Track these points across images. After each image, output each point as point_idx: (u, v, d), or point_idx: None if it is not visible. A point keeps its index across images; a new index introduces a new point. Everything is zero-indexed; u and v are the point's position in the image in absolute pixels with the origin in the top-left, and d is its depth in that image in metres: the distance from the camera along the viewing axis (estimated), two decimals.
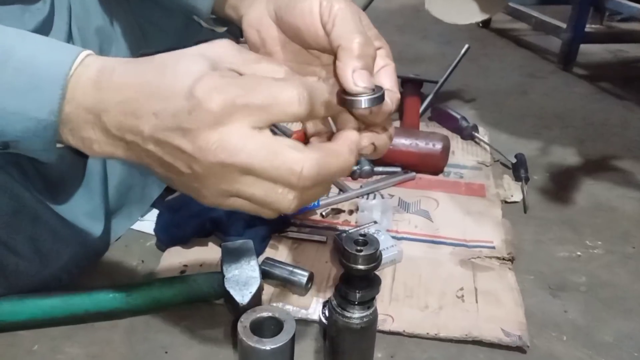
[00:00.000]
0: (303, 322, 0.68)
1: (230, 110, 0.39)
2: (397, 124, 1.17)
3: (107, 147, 0.43)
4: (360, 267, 0.52)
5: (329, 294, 0.70)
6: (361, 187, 0.96)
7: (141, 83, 0.41)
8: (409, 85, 1.25)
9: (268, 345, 0.50)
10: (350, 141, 0.44)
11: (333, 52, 0.46)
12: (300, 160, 0.40)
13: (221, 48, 0.43)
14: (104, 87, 0.42)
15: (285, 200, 0.41)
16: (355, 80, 0.43)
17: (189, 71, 0.40)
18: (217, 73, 0.40)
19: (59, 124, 0.43)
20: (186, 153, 0.40)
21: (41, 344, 0.64)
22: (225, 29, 0.64)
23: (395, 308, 0.70)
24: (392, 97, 0.47)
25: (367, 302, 0.55)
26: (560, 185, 1.03)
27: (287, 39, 0.52)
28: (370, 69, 0.45)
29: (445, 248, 0.83)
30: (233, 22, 0.59)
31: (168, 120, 0.40)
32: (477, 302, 0.72)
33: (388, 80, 0.49)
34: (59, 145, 0.46)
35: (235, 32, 0.75)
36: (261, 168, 0.40)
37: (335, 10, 0.46)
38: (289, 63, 0.53)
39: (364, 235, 0.54)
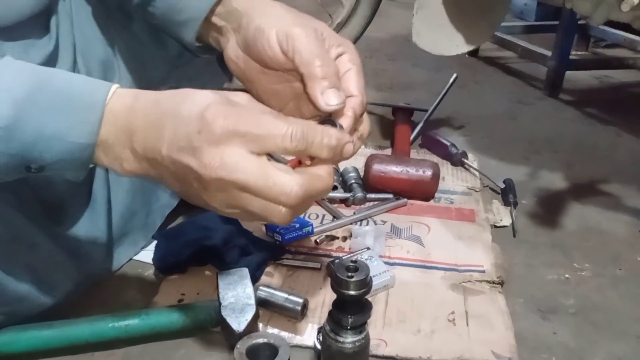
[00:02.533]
0: (298, 348, 0.69)
1: (231, 135, 0.45)
2: (388, 151, 1.19)
3: (135, 164, 0.49)
4: (352, 292, 0.54)
5: (323, 320, 0.72)
6: (354, 213, 0.98)
7: (163, 110, 0.48)
8: (400, 114, 1.28)
9: None
10: (329, 167, 0.50)
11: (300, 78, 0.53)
12: (289, 182, 0.46)
13: (238, 95, 0.49)
14: (134, 112, 0.48)
15: (279, 214, 0.47)
16: (326, 100, 0.51)
17: (204, 99, 0.46)
18: (227, 103, 0.46)
19: (95, 145, 0.49)
20: (193, 169, 0.46)
21: None
22: (211, 56, 0.68)
23: (389, 333, 0.72)
24: (355, 103, 0.54)
25: (359, 327, 0.57)
26: (549, 209, 1.05)
27: (261, 67, 0.58)
28: (336, 85, 0.52)
29: (437, 272, 0.84)
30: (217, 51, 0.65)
31: (182, 141, 0.46)
32: (468, 325, 0.74)
33: (352, 84, 0.55)
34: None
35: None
36: (256, 187, 0.45)
37: (292, 37, 0.53)
38: (273, 86, 0.59)
39: (354, 261, 0.56)
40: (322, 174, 0.49)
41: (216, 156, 0.45)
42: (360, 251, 0.86)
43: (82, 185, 0.73)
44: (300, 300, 0.73)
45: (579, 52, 1.97)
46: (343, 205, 1.01)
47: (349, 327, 0.56)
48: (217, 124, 0.45)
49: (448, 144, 1.19)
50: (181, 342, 0.70)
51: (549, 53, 1.64)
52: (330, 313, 0.57)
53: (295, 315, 0.73)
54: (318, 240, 0.91)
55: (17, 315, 0.66)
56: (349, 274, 0.54)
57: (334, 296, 0.56)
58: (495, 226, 0.98)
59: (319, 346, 0.66)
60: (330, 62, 0.53)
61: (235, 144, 0.45)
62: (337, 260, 0.57)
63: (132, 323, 0.67)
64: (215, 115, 0.45)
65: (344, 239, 0.92)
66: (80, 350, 0.67)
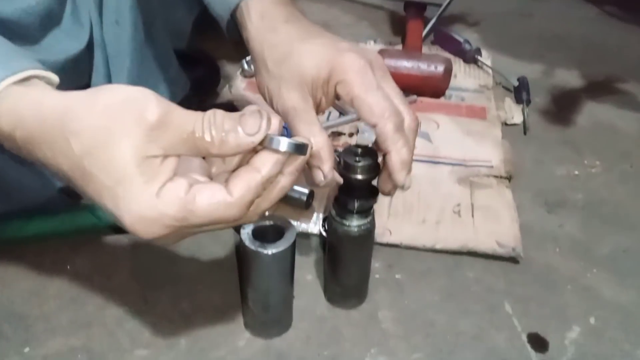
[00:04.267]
0: (304, 236, 0.70)
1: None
2: (399, 46, 1.15)
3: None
4: (359, 176, 0.53)
5: (328, 211, 0.72)
6: None
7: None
8: (412, 9, 1.21)
9: (270, 249, 0.51)
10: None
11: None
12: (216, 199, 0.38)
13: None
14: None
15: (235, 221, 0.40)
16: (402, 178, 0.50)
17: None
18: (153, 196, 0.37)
19: None
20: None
21: (48, 257, 0.66)
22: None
23: (394, 222, 0.72)
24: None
25: (366, 212, 0.56)
26: (562, 107, 1.02)
27: None
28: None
29: (444, 167, 0.83)
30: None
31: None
32: (473, 217, 0.73)
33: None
34: None
35: None
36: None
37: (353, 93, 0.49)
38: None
39: (363, 147, 0.54)
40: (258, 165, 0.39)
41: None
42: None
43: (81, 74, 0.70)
44: (306, 191, 0.73)
45: None
46: None
47: (355, 211, 0.56)
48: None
49: (461, 40, 1.14)
50: None
51: None
52: (336, 198, 0.57)
53: (301, 205, 0.73)
54: None
55: (23, 206, 0.66)
56: (357, 158, 0.53)
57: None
58: (507, 124, 0.96)
59: (324, 233, 0.66)
60: (398, 115, 0.49)
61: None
62: (345, 147, 0.55)
63: None
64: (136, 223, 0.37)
65: (350, 135, 0.91)
66: (87, 235, 0.68)
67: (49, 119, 0.37)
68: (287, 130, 0.51)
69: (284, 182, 0.41)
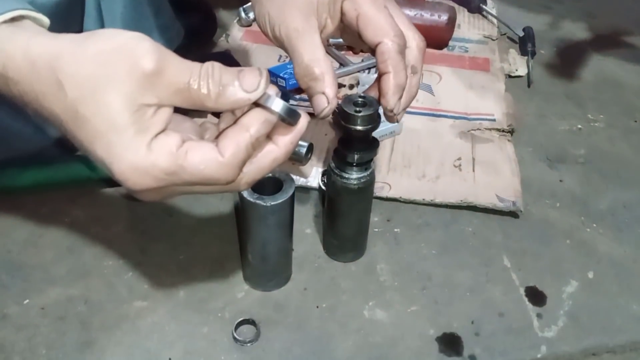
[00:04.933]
0: (303, 190, 0.69)
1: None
2: None
3: None
4: (359, 127, 0.52)
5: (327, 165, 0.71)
6: (362, 61, 0.93)
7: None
8: None
9: (268, 202, 0.51)
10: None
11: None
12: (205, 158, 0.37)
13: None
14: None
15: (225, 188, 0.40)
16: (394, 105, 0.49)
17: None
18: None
19: None
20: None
21: (45, 207, 0.66)
22: None
23: (393, 177, 0.71)
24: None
25: (365, 164, 0.55)
26: (567, 60, 1.00)
27: None
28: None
29: (446, 121, 0.82)
30: None
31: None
32: (474, 171, 0.73)
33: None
34: None
35: None
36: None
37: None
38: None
39: (363, 97, 0.53)
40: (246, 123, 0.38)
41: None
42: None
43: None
44: (305, 144, 0.72)
45: None
46: (350, 52, 0.96)
47: (354, 164, 0.55)
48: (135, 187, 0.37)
49: None
50: None
51: None
52: (335, 150, 0.56)
53: (299, 158, 0.71)
54: None
55: (16, 152, 0.65)
56: (357, 109, 0.52)
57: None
58: (510, 76, 0.94)
59: (323, 187, 0.65)
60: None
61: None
62: (344, 96, 0.54)
63: None
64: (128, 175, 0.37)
65: (351, 87, 0.89)
66: (84, 186, 0.67)
67: (40, 61, 0.36)
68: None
69: (277, 153, 0.41)
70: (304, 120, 0.41)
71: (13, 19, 0.38)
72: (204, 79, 0.36)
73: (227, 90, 0.37)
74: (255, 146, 0.39)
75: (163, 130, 0.37)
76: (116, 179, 0.37)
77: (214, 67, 0.37)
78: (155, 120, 0.36)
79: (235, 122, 0.39)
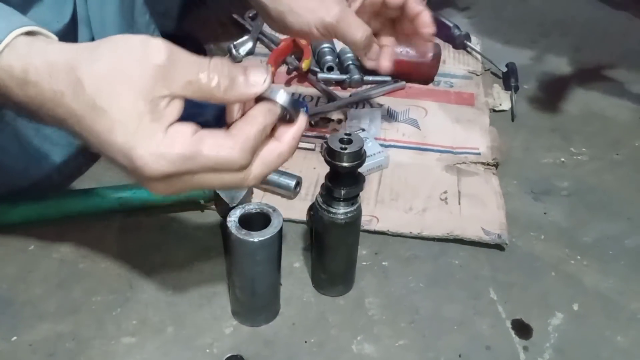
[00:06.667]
0: (291, 223, 0.70)
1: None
2: None
3: None
4: (345, 164, 0.53)
5: None
6: (350, 96, 0.95)
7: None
8: None
9: (256, 237, 0.51)
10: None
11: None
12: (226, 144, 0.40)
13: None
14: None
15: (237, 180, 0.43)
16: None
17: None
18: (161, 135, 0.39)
19: None
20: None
21: (33, 242, 0.66)
22: None
23: (381, 210, 0.72)
24: None
25: (352, 199, 0.56)
26: (552, 94, 1.02)
27: None
28: None
29: (432, 154, 0.84)
30: None
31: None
32: (460, 204, 0.74)
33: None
34: None
35: None
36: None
37: None
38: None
39: (349, 134, 0.55)
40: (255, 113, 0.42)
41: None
42: (355, 132, 0.84)
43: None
44: (294, 178, 0.73)
45: None
46: (339, 87, 0.98)
47: (341, 199, 0.56)
48: (152, 172, 0.39)
49: (451, 25, 1.13)
50: (175, 217, 0.70)
51: None
52: (323, 186, 0.57)
53: (288, 193, 0.73)
54: (313, 122, 0.89)
55: (7, 187, 0.66)
56: (343, 145, 0.53)
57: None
58: (495, 110, 0.96)
59: (311, 220, 0.66)
60: None
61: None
62: (331, 134, 0.55)
63: (124, 195, 0.67)
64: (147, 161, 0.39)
65: (339, 121, 0.91)
66: (74, 220, 0.68)
67: (59, 63, 0.39)
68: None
69: (281, 148, 0.43)
70: (304, 117, 0.45)
71: (28, 33, 0.41)
72: (214, 72, 0.39)
73: (235, 83, 0.40)
74: (263, 134, 0.42)
75: (177, 120, 0.39)
76: (134, 165, 0.39)
77: (222, 62, 0.40)
78: (169, 111, 0.39)
79: (243, 114, 0.42)
